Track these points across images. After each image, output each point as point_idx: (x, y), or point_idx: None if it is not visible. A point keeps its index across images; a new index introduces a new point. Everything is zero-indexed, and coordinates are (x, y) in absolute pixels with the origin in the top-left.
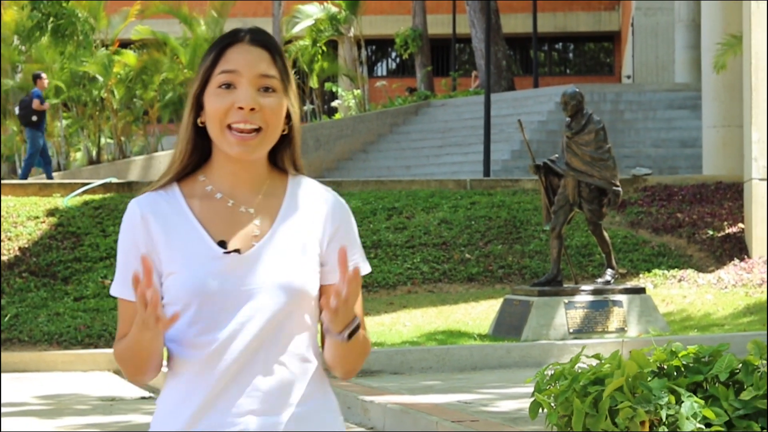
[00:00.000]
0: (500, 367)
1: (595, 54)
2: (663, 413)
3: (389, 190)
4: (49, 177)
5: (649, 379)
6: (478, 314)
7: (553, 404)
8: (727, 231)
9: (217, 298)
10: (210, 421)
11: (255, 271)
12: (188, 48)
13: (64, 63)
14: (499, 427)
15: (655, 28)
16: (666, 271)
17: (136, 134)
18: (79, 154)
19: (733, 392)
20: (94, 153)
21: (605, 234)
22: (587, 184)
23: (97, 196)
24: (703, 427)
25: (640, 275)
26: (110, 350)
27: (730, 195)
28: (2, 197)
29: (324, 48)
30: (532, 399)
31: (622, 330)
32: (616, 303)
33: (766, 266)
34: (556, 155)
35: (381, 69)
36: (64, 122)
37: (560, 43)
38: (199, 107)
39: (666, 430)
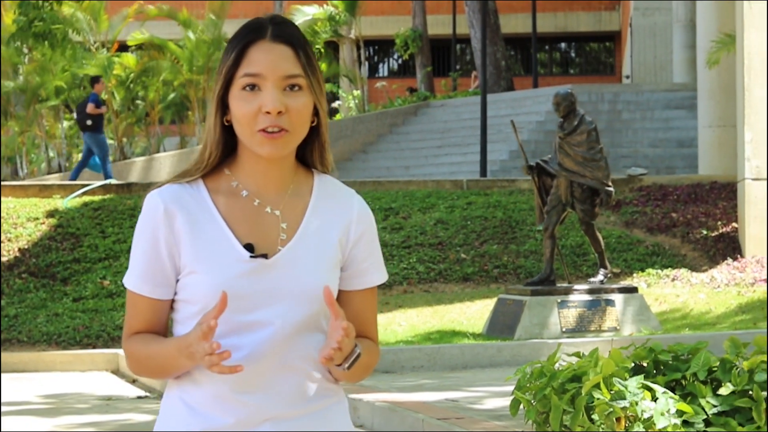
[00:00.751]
0: (491, 365)
1: (596, 54)
2: (638, 410)
3: (386, 190)
4: (72, 179)
5: (629, 376)
6: (473, 314)
7: (532, 401)
8: (720, 231)
9: (239, 301)
10: (230, 423)
11: (279, 277)
12: (187, 50)
13: (65, 65)
14: (483, 424)
15: (653, 28)
16: (660, 271)
17: (138, 135)
18: (81, 156)
19: (710, 389)
20: None
21: (598, 234)
22: (579, 184)
23: (97, 198)
24: (678, 423)
25: (634, 275)
26: (108, 350)
27: (725, 195)
28: (2, 198)
29: (322, 49)
30: (512, 396)
31: (615, 329)
32: (608, 302)
33: (766, 266)
34: (549, 156)
35: (383, 69)
36: (66, 124)
37: (561, 43)
38: (224, 106)
39: (641, 426)
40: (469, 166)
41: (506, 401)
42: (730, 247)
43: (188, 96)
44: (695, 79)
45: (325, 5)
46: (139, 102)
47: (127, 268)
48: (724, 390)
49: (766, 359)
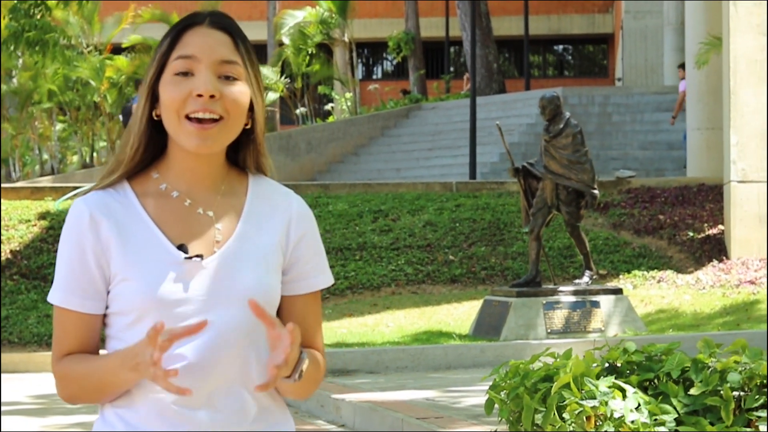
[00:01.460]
0: (474, 366)
1: (589, 56)
2: (608, 409)
3: (376, 192)
4: None
5: (603, 376)
6: (460, 315)
7: (506, 401)
8: (707, 233)
9: (176, 307)
10: None
11: (216, 279)
12: None
13: (57, 68)
14: (461, 424)
15: (645, 31)
16: (646, 272)
17: None
18: (75, 158)
19: (682, 389)
20: (87, 157)
21: (583, 236)
22: (565, 186)
23: None
24: (648, 422)
25: (621, 276)
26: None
27: (712, 197)
28: None
29: (314, 51)
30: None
31: (600, 330)
32: (594, 304)
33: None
34: (535, 158)
35: (377, 72)
36: (59, 126)
37: (555, 46)
38: (154, 98)
39: (611, 425)
40: (460, 168)
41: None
42: (716, 249)
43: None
44: None
45: (317, 7)
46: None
47: None
48: (696, 389)
49: (739, 360)
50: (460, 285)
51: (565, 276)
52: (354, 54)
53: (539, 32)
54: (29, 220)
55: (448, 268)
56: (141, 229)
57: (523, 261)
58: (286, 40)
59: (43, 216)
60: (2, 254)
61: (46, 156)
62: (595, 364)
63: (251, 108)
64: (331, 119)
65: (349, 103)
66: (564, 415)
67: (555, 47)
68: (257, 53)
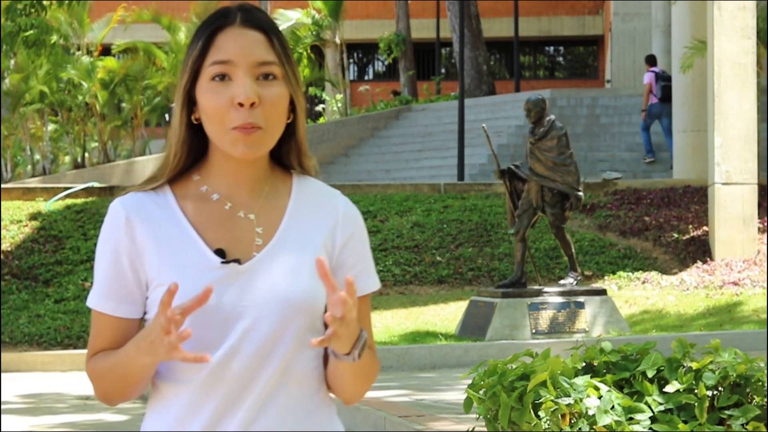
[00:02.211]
0: (458, 365)
1: (580, 58)
2: (582, 407)
3: (365, 194)
4: None
5: (581, 376)
6: (447, 315)
7: (484, 399)
8: (692, 234)
9: (212, 313)
10: None
11: (256, 285)
12: (171, 54)
13: (49, 69)
14: (441, 421)
15: (633, 33)
16: (631, 273)
17: (124, 138)
18: (68, 158)
19: (657, 388)
20: (79, 157)
21: (568, 237)
22: (550, 188)
23: (80, 200)
24: (622, 419)
25: (606, 277)
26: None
27: (697, 198)
28: None
29: (307, 52)
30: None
31: (584, 331)
32: (578, 305)
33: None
34: (521, 161)
35: (369, 72)
36: (50, 127)
37: (545, 47)
38: (191, 102)
39: (585, 422)
40: (449, 169)
41: None
42: (700, 251)
43: (171, 100)
44: None
45: (308, 8)
46: (124, 105)
47: None
48: (670, 388)
49: (713, 360)
50: (447, 286)
51: (551, 277)
52: (344, 55)
53: (530, 34)
54: (20, 221)
55: (436, 269)
56: (178, 232)
57: (510, 262)
58: (283, 27)
59: (34, 216)
60: None
61: (37, 156)
62: (578, 365)
63: (292, 104)
64: (321, 120)
65: (339, 105)
66: (540, 413)
67: (546, 49)
68: None
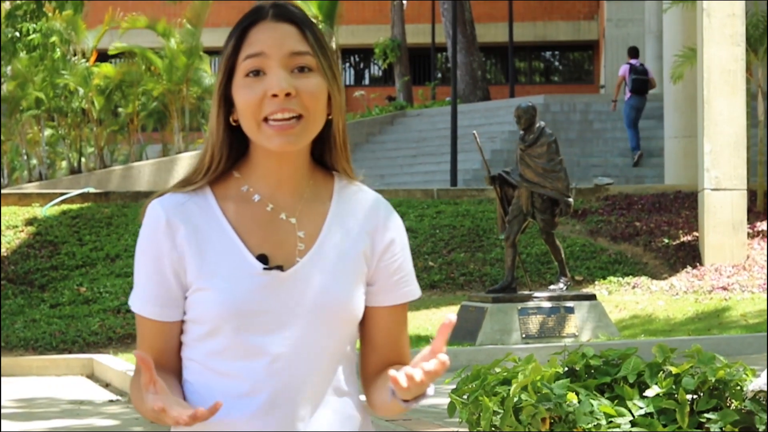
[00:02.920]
0: (447, 370)
1: (576, 63)
2: (562, 411)
3: None
4: None
5: (563, 380)
6: (439, 320)
7: (467, 403)
8: (682, 239)
9: (254, 320)
10: None
11: (298, 291)
12: (166, 60)
13: (45, 76)
14: (427, 425)
15: (626, 40)
16: (621, 278)
17: (121, 143)
18: (64, 163)
19: (638, 392)
20: (75, 163)
21: (558, 242)
22: (540, 194)
23: (75, 206)
24: (602, 423)
25: (596, 282)
26: (84, 355)
27: (688, 204)
28: None
29: None
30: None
31: (574, 335)
32: (568, 309)
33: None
34: (511, 167)
35: (366, 78)
36: (47, 133)
37: (541, 52)
38: (228, 103)
39: (565, 426)
40: (443, 175)
41: None
42: (690, 256)
43: (167, 105)
44: None
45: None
46: (120, 110)
47: (103, 275)
48: (651, 392)
49: (694, 365)
50: (439, 290)
51: (542, 282)
52: (340, 61)
53: (525, 39)
54: (17, 226)
55: (428, 273)
56: (219, 236)
57: (502, 267)
58: None
59: (30, 222)
60: None
61: (34, 162)
62: (560, 370)
63: (330, 98)
64: None
65: None
66: (520, 416)
67: (541, 54)
68: None
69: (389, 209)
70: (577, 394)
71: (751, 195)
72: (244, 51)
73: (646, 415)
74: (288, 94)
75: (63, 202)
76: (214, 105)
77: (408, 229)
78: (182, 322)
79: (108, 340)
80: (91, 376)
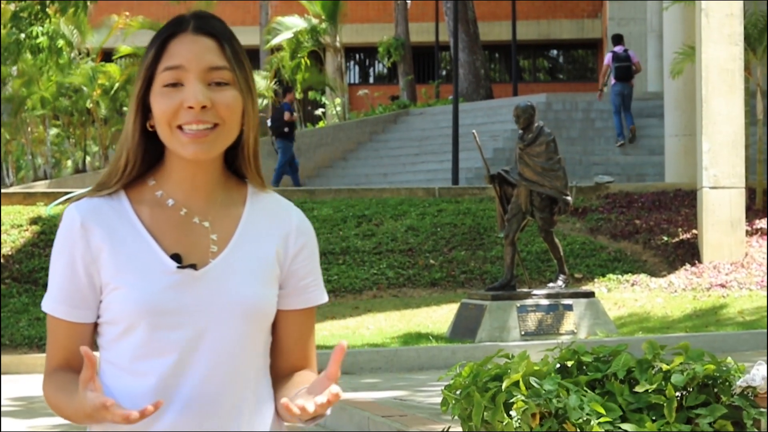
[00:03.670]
0: (446, 367)
1: (580, 61)
2: (552, 406)
3: (360, 198)
4: (297, 184)
5: (553, 376)
6: (439, 317)
7: (460, 398)
8: (681, 237)
9: (168, 317)
10: None
11: (210, 290)
12: None
13: (51, 76)
14: (422, 421)
15: (628, 38)
16: (620, 276)
17: None
18: (70, 162)
19: (628, 388)
20: (80, 162)
21: (557, 240)
22: (539, 193)
23: None
24: (592, 418)
25: (596, 280)
26: None
27: (688, 202)
28: None
29: (307, 60)
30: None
31: (572, 333)
32: (566, 307)
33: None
34: (511, 166)
35: (370, 76)
36: (52, 132)
37: (544, 51)
38: (145, 109)
39: (555, 421)
40: (445, 173)
41: None
42: (689, 254)
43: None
44: None
45: (306, 15)
46: (125, 109)
47: None
48: (640, 388)
49: (683, 361)
50: (440, 288)
51: (542, 279)
52: (343, 60)
53: (529, 37)
54: (21, 225)
55: (429, 271)
56: (134, 237)
57: (501, 265)
58: (283, 37)
59: (35, 221)
60: None
61: (40, 161)
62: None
63: (243, 112)
64: (321, 124)
65: (338, 109)
66: (511, 412)
67: (545, 52)
68: (249, 58)
69: (301, 215)
70: (568, 390)
71: (750, 193)
72: (163, 62)
73: (635, 410)
74: (204, 107)
75: (68, 201)
76: (131, 111)
77: (409, 228)
78: (96, 324)
79: None
80: None
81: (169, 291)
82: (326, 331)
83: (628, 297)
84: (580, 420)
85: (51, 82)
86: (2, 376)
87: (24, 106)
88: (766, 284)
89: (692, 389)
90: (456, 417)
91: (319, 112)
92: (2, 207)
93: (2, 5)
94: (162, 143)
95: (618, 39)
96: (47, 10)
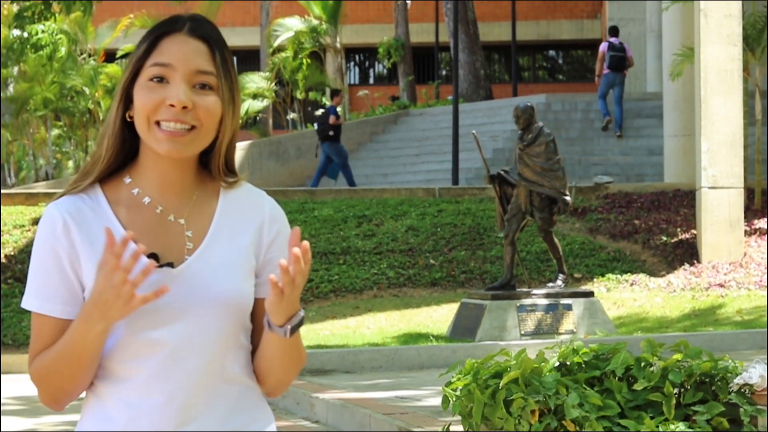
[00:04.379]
0: (446, 366)
1: (580, 61)
2: (551, 403)
3: (361, 198)
4: (314, 185)
5: (552, 374)
6: (439, 317)
7: (460, 396)
8: (680, 237)
9: (148, 316)
10: None
11: (189, 287)
12: None
13: (53, 77)
14: (423, 419)
15: (628, 39)
16: (619, 276)
17: None
18: (71, 162)
19: (626, 385)
20: (81, 162)
21: (556, 240)
22: (538, 193)
23: None
24: (590, 415)
25: (595, 279)
26: None
27: (687, 202)
28: None
29: (308, 60)
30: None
31: (572, 332)
32: (566, 306)
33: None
34: (510, 166)
35: (371, 76)
36: (54, 132)
37: (544, 51)
38: (128, 100)
39: (554, 418)
40: (445, 173)
41: None
42: (687, 253)
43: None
44: None
45: (306, 16)
46: None
47: None
48: (638, 385)
49: (681, 359)
50: (440, 288)
51: (541, 279)
52: (343, 61)
53: (528, 38)
54: (23, 225)
55: (429, 271)
56: None
57: (501, 265)
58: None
59: (37, 221)
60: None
61: (41, 161)
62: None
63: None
64: None
65: (339, 109)
66: (511, 409)
67: (545, 52)
68: (250, 59)
69: (273, 204)
70: (567, 387)
71: (749, 193)
72: (153, 57)
73: (634, 408)
74: (185, 108)
75: None
76: (115, 99)
77: (410, 228)
78: None
79: None
80: None
81: (148, 290)
82: (327, 331)
83: (627, 297)
84: (579, 417)
85: (54, 84)
86: (4, 376)
87: (26, 106)
88: (765, 284)
89: (690, 387)
90: (456, 414)
91: (319, 112)
92: (4, 207)
93: (5, 5)
94: (138, 139)
95: (614, 31)
96: (51, 9)
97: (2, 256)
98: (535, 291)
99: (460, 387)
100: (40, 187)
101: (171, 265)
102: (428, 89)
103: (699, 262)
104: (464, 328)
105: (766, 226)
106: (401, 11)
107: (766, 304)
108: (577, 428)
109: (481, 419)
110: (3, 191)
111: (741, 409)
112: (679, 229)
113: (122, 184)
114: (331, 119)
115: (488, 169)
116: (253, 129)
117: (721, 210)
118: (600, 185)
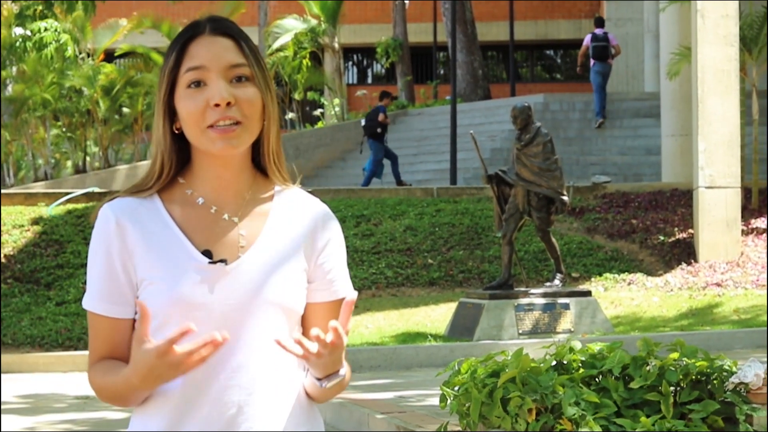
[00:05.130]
0: (444, 365)
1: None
2: (548, 402)
3: (359, 198)
4: (398, 180)
5: (549, 373)
6: (437, 317)
7: (457, 395)
8: (677, 236)
9: (200, 311)
10: None
11: (241, 284)
12: None
13: (53, 77)
14: (421, 417)
15: (625, 38)
16: (617, 275)
17: (126, 143)
18: (70, 162)
19: (623, 384)
20: (80, 163)
21: (554, 240)
22: (536, 193)
23: (80, 205)
24: (586, 413)
25: (592, 279)
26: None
27: (684, 202)
28: None
29: (308, 61)
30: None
31: (569, 331)
32: (563, 306)
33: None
34: (508, 166)
35: (370, 76)
36: (53, 132)
37: (542, 51)
38: (171, 113)
39: (551, 416)
40: (444, 173)
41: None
42: (685, 253)
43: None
44: None
45: (305, 16)
46: (125, 110)
47: None
48: (635, 384)
49: (677, 358)
50: (438, 288)
51: (539, 279)
52: (341, 61)
53: (526, 37)
54: (23, 225)
55: (427, 271)
56: (166, 234)
57: (499, 264)
58: (286, 39)
59: (36, 221)
60: None
61: (40, 161)
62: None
63: (264, 107)
64: (320, 125)
65: (337, 109)
66: (508, 408)
67: (542, 52)
68: None
69: (327, 211)
70: (563, 386)
71: (746, 192)
72: (185, 64)
73: (630, 406)
74: (228, 103)
75: (68, 201)
76: (158, 116)
77: (408, 228)
78: (134, 321)
79: None
80: None
81: (201, 286)
82: None
83: (624, 296)
84: (576, 415)
85: (53, 84)
86: (4, 375)
87: (25, 106)
88: (766, 283)
89: (686, 386)
90: (454, 413)
91: (317, 112)
92: (4, 207)
93: (5, 6)
94: (188, 144)
95: (599, 22)
96: (53, 9)
97: (2, 256)
98: (532, 290)
99: (458, 386)
100: (39, 187)
101: (224, 261)
102: (426, 89)
103: (696, 261)
104: (462, 328)
105: (762, 226)
106: (399, 11)
107: (765, 303)
108: (574, 427)
109: (479, 418)
110: (2, 191)
111: (736, 408)
112: (676, 229)
113: (176, 185)
114: (380, 117)
115: (486, 168)
116: None
117: (718, 209)
118: (597, 185)
